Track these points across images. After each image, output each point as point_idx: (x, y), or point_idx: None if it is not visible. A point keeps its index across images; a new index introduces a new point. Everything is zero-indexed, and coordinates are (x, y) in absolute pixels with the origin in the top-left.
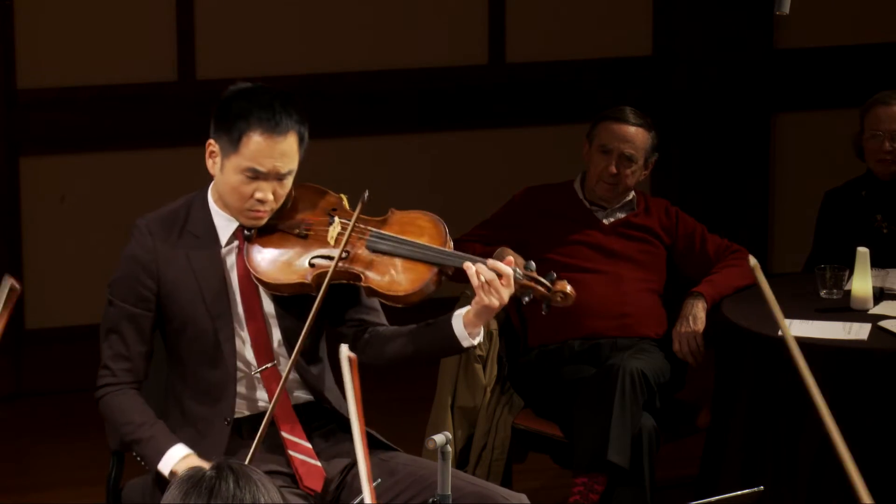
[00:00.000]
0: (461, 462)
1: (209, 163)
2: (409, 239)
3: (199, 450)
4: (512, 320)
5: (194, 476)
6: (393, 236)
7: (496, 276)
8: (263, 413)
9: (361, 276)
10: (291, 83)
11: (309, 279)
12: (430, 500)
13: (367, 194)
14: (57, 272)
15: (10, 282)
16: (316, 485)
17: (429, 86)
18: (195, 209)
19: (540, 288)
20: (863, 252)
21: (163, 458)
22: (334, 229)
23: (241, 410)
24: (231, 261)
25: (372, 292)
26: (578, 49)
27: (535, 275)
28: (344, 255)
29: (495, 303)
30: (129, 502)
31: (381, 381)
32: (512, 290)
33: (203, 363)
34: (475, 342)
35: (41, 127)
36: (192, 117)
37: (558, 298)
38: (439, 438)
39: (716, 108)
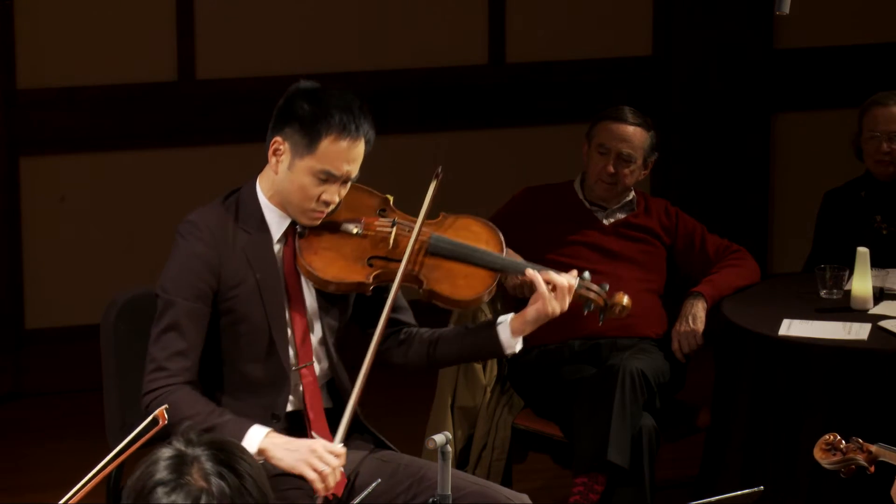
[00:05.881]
0: (461, 462)
1: (272, 161)
2: (469, 244)
3: None
4: None
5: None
6: (454, 241)
7: (563, 286)
8: (296, 410)
9: (422, 279)
10: (291, 83)
11: (370, 280)
12: (430, 500)
13: (425, 209)
14: (57, 272)
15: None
16: (337, 489)
17: (429, 86)
18: (244, 205)
19: (599, 299)
20: (863, 252)
21: (246, 436)
22: (395, 231)
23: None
24: (279, 256)
25: (431, 295)
26: (578, 49)
27: (592, 285)
28: (402, 258)
29: (557, 310)
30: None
31: (381, 381)
32: (570, 299)
33: (250, 359)
34: (517, 349)
35: (41, 127)
36: (192, 117)
37: (616, 311)
38: (439, 438)
39: (716, 109)
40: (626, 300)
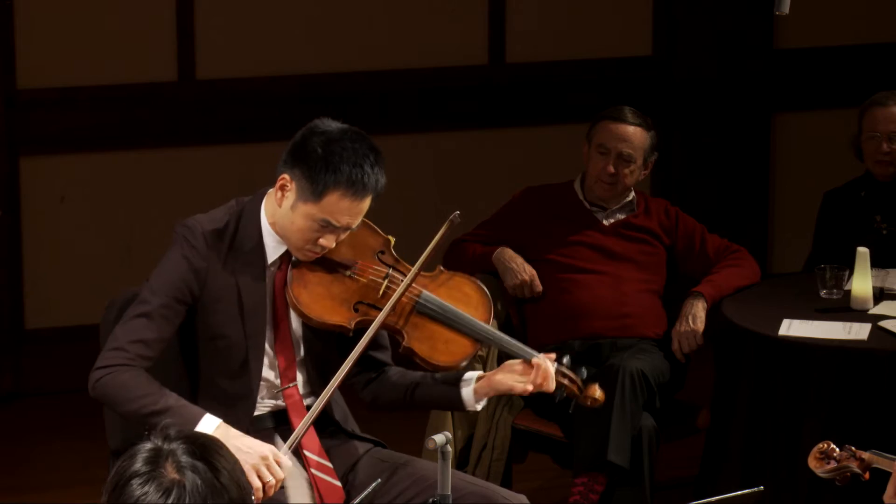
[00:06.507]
0: (461, 462)
1: (277, 195)
2: (457, 310)
3: None
4: (512, 320)
5: (157, 479)
6: (442, 303)
7: (548, 374)
8: (274, 411)
9: (404, 335)
10: (291, 83)
11: (351, 325)
12: (430, 500)
13: (420, 264)
14: (57, 272)
15: None
16: (336, 500)
17: (429, 86)
18: (245, 223)
19: (573, 388)
20: (863, 252)
21: (199, 424)
22: (386, 283)
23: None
24: (270, 279)
25: (409, 352)
26: (578, 49)
27: (568, 371)
28: (391, 309)
29: (529, 391)
30: None
31: None
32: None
33: (224, 374)
34: (478, 408)
35: (41, 127)
36: (192, 117)
37: (588, 402)
38: (439, 438)
39: (716, 108)
40: (598, 393)
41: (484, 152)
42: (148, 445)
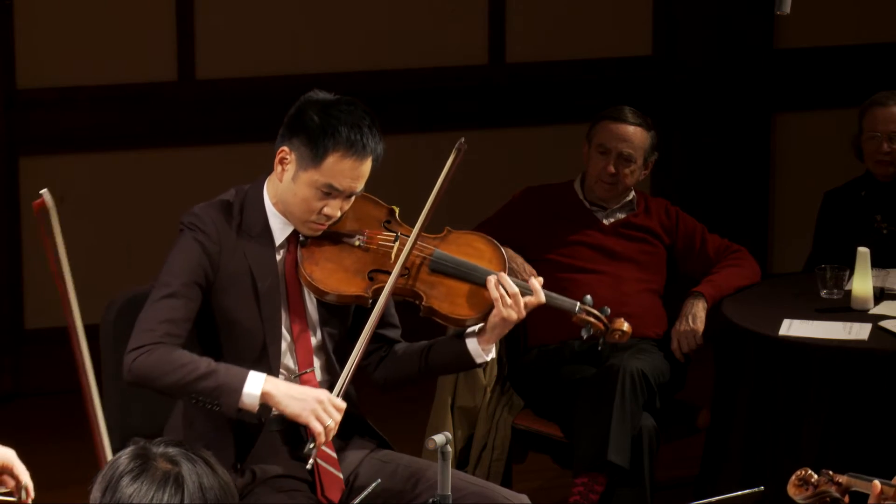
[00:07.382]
0: (461, 462)
1: (278, 169)
2: (471, 262)
3: (217, 447)
4: None
5: (148, 472)
6: (455, 258)
7: (514, 293)
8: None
9: (423, 295)
10: (291, 83)
11: (368, 293)
12: (430, 501)
13: (445, 172)
14: None
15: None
16: (334, 496)
17: (429, 86)
18: (249, 207)
19: (599, 325)
20: (863, 252)
21: (247, 379)
22: (397, 246)
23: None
24: (280, 262)
25: (431, 312)
26: (578, 49)
27: (592, 309)
28: (405, 272)
29: (514, 317)
30: None
31: None
32: (522, 311)
33: (243, 361)
34: (488, 358)
35: (41, 127)
36: (192, 117)
37: (616, 336)
38: (439, 438)
39: (716, 108)
40: (626, 326)
41: (484, 152)
42: (132, 448)
